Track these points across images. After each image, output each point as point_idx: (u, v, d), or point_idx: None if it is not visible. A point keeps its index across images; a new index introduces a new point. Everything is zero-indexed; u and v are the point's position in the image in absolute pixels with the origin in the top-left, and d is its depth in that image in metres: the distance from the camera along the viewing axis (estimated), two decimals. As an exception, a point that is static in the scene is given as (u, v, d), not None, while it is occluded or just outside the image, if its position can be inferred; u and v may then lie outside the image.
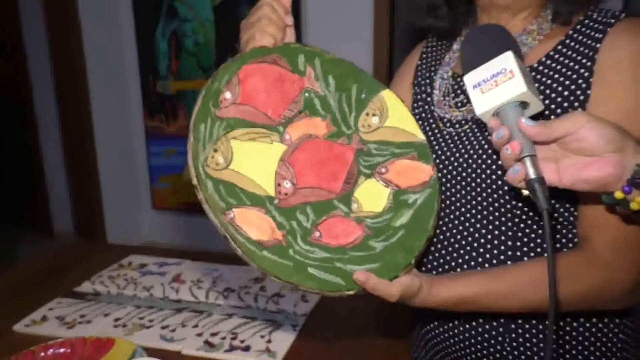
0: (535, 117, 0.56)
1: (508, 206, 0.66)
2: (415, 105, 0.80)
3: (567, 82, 0.64)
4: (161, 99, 2.74)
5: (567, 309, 0.63)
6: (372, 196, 0.67)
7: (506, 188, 0.65)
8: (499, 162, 0.65)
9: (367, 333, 0.89)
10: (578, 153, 0.52)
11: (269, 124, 0.66)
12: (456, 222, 0.70)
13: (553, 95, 0.64)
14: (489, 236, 0.68)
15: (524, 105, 0.55)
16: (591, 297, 0.61)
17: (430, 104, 0.77)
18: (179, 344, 0.85)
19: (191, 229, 2.82)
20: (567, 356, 0.68)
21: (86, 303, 0.99)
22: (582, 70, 0.63)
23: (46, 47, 2.77)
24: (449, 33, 0.79)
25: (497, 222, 0.67)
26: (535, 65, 0.67)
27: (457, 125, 0.72)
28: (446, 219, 0.71)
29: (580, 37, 0.65)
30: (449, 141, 0.72)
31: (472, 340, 0.70)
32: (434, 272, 0.72)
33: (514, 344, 0.68)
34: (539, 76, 0.66)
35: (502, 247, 0.67)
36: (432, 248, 0.72)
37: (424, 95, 0.79)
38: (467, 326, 0.70)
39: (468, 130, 0.71)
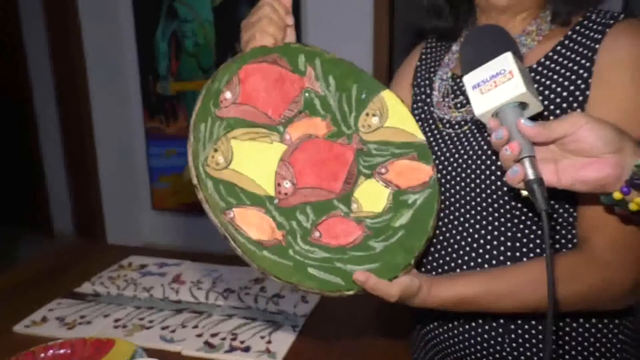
0: (534, 118, 0.56)
1: (507, 207, 0.66)
2: (415, 106, 0.80)
3: (566, 83, 0.64)
4: (161, 100, 2.74)
5: (567, 309, 0.63)
6: (372, 196, 0.67)
7: (505, 189, 0.65)
8: (499, 163, 0.65)
9: (367, 333, 0.89)
10: (577, 154, 0.52)
11: (269, 124, 0.66)
12: (456, 222, 0.70)
13: (552, 96, 0.65)
14: (489, 237, 0.68)
15: (523, 106, 0.55)
16: (591, 297, 0.61)
17: (430, 105, 0.78)
18: (179, 344, 0.85)
19: (191, 230, 2.82)
20: (567, 356, 0.68)
21: (86, 304, 0.99)
22: (581, 71, 0.64)
23: (46, 47, 2.77)
24: (449, 34, 0.79)
25: (496, 223, 0.67)
26: (534, 66, 0.67)
27: (457, 126, 0.72)
28: (446, 220, 0.71)
29: (579, 38, 0.66)
30: (449, 142, 0.72)
31: (472, 341, 0.70)
32: (434, 272, 0.72)
33: (514, 344, 0.68)
34: (538, 77, 0.66)
35: (502, 248, 0.67)
36: (432, 248, 0.72)
37: (423, 96, 0.80)
38: (467, 327, 0.70)
39: (467, 131, 0.71)
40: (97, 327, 0.91)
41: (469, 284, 0.62)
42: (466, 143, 0.70)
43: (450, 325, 0.72)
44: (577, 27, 0.66)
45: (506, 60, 0.55)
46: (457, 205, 0.70)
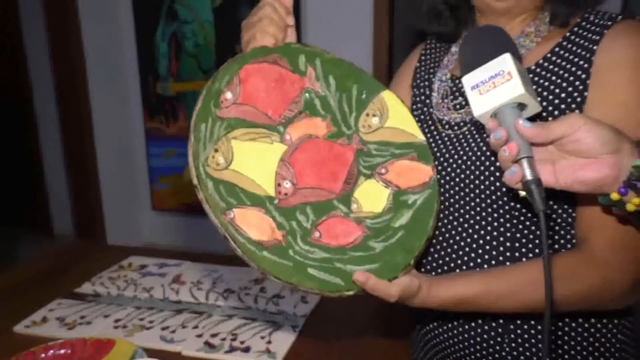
0: (532, 119, 0.56)
1: (507, 207, 0.66)
2: (414, 107, 0.80)
3: (564, 84, 0.64)
4: (161, 100, 2.74)
5: (568, 309, 0.63)
6: (371, 196, 0.68)
7: (504, 189, 0.65)
8: (497, 164, 0.65)
9: (367, 333, 0.89)
10: (575, 155, 0.52)
11: (269, 124, 0.67)
12: (455, 223, 0.71)
13: (550, 97, 0.65)
14: (488, 237, 0.68)
15: (521, 106, 0.55)
16: (591, 297, 0.61)
17: (429, 106, 0.78)
18: (179, 345, 0.85)
19: (191, 230, 2.83)
20: (566, 356, 0.68)
21: (86, 304, 0.99)
22: (579, 72, 0.64)
23: (46, 47, 2.77)
24: (448, 35, 0.80)
25: (495, 223, 0.68)
26: (533, 67, 0.67)
27: (456, 128, 0.73)
28: (445, 220, 0.72)
29: (577, 39, 0.66)
30: (448, 143, 0.72)
31: (472, 341, 0.70)
32: (434, 272, 0.72)
33: (513, 344, 0.68)
34: (536, 78, 0.67)
35: (501, 248, 0.67)
36: (432, 249, 0.73)
37: (422, 98, 0.80)
38: (467, 327, 0.70)
39: (467, 132, 0.71)
40: (97, 327, 0.91)
41: (468, 284, 0.62)
42: (465, 144, 0.70)
43: (450, 325, 0.72)
44: (576, 29, 0.67)
45: (505, 61, 0.55)
46: (457, 206, 0.70)
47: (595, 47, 0.63)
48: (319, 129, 0.69)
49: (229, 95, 0.64)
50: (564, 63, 0.65)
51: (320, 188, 0.66)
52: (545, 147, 0.54)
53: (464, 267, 0.69)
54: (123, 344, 0.78)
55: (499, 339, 0.68)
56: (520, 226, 0.66)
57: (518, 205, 0.65)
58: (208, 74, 2.60)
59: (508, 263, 0.67)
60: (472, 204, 0.69)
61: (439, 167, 0.72)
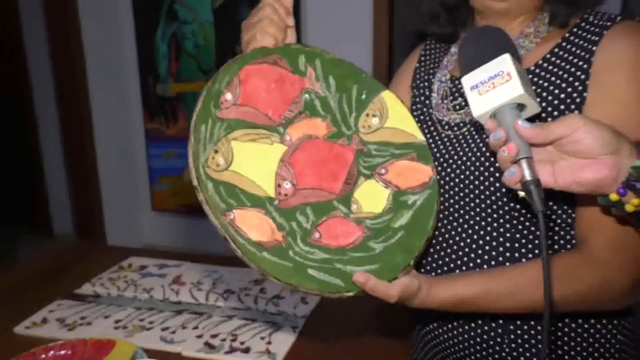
0: (532, 120, 0.56)
1: (506, 208, 0.66)
2: (414, 107, 0.80)
3: (563, 85, 0.64)
4: (161, 101, 2.74)
5: (568, 309, 0.63)
6: (371, 197, 0.68)
7: (504, 190, 0.65)
8: (497, 165, 0.65)
9: (367, 334, 0.89)
10: (574, 155, 0.52)
11: (269, 125, 0.67)
12: (455, 223, 0.71)
13: (550, 97, 0.65)
14: (488, 237, 0.68)
15: (520, 107, 0.55)
16: (591, 297, 0.62)
17: (429, 106, 0.78)
18: (179, 345, 0.85)
19: (191, 231, 2.83)
20: (566, 357, 0.68)
21: (86, 305, 0.99)
22: (578, 73, 0.64)
23: (46, 47, 2.77)
24: (447, 36, 0.80)
25: (495, 224, 0.68)
26: (532, 68, 0.67)
27: (455, 128, 0.73)
28: (445, 221, 0.72)
29: (576, 40, 0.66)
30: (447, 144, 0.73)
31: (472, 341, 0.70)
32: (433, 273, 0.72)
33: (513, 344, 0.68)
34: (536, 79, 0.67)
35: (501, 249, 0.67)
36: (432, 249, 0.73)
37: (422, 98, 0.80)
38: (467, 327, 0.70)
39: (466, 133, 0.71)
40: (97, 328, 0.91)
41: (468, 284, 0.63)
42: (465, 145, 0.70)
43: (450, 325, 0.72)
44: (575, 29, 0.67)
45: (504, 61, 0.55)
46: (457, 206, 0.70)
47: (594, 48, 0.63)
48: (319, 129, 0.69)
49: (229, 96, 0.64)
50: (563, 64, 0.65)
51: (320, 189, 0.66)
52: (545, 147, 0.54)
53: (464, 268, 0.69)
54: (123, 344, 0.78)
55: (499, 339, 0.68)
56: (520, 227, 0.66)
57: (517, 206, 0.65)
58: (208, 74, 2.60)
59: (508, 263, 0.67)
60: (472, 204, 0.69)
61: (439, 168, 0.72)
